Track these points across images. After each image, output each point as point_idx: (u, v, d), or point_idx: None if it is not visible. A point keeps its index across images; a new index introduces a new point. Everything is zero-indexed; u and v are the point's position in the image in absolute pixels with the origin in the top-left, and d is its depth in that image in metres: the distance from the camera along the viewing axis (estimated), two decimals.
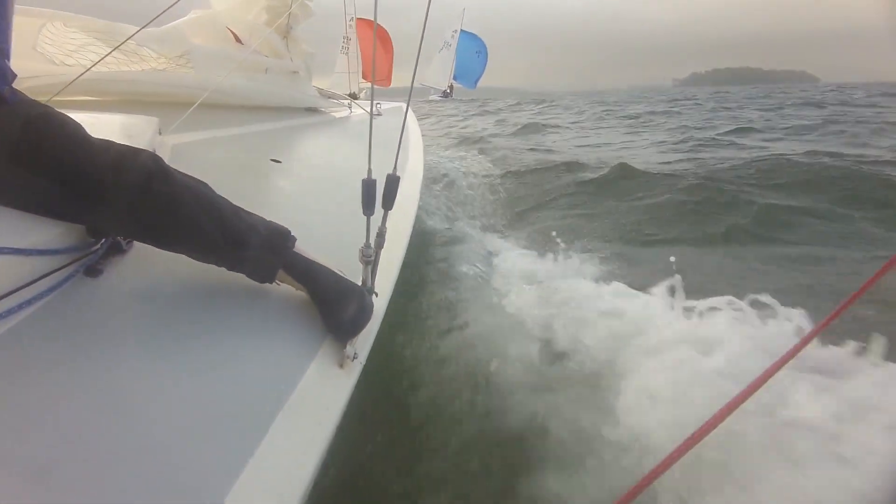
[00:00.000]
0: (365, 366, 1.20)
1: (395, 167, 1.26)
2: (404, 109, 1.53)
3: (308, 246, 1.31)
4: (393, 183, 1.25)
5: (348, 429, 1.10)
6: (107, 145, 1.07)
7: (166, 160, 1.79)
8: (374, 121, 3.76)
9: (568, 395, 2.12)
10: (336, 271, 1.26)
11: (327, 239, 1.57)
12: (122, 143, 1.46)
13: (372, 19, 1.33)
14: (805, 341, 1.25)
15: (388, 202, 1.25)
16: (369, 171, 1.22)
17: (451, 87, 50.12)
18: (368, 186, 1.21)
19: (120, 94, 2.58)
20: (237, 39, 3.43)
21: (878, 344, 2.09)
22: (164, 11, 2.48)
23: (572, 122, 19.68)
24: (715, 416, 1.02)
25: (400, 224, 1.97)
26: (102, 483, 0.74)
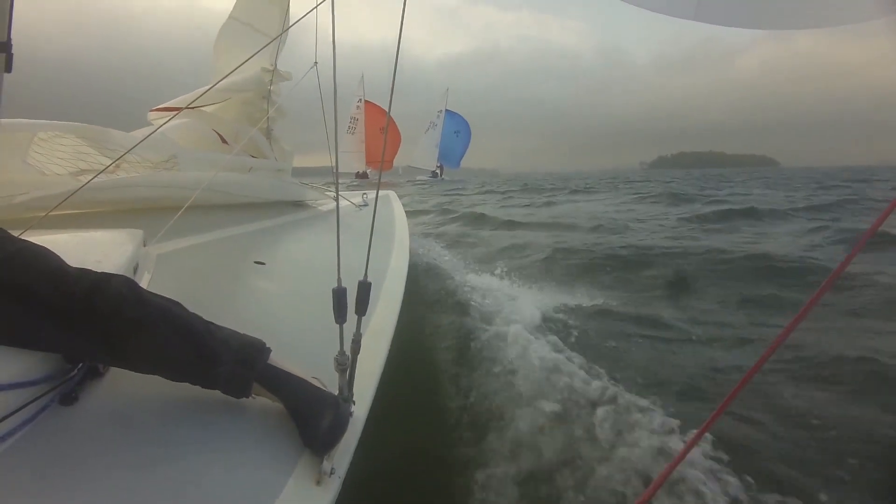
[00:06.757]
0: (345, 480, 1.18)
1: (365, 273, 1.29)
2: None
3: (288, 353, 1.31)
4: (364, 290, 1.27)
5: None
6: (81, 274, 1.11)
7: (150, 272, 1.84)
8: (360, 212, 3.82)
9: None
10: (313, 380, 1.26)
11: (307, 345, 1.57)
12: (107, 260, 1.50)
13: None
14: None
15: (361, 308, 1.27)
16: (339, 279, 1.25)
17: (439, 167, 51.42)
18: (339, 295, 1.24)
19: (108, 205, 2.63)
20: (223, 140, 3.56)
21: None
22: (159, 127, 2.58)
23: None
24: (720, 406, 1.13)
25: (382, 325, 1.94)
26: None
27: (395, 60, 1.32)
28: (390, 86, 1.45)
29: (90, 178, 2.09)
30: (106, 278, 1.13)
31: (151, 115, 3.65)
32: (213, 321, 1.25)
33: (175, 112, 3.40)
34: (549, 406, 2.65)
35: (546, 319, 4.10)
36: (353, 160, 46.99)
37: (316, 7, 2.34)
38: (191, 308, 1.23)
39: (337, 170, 1.43)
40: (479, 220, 12.85)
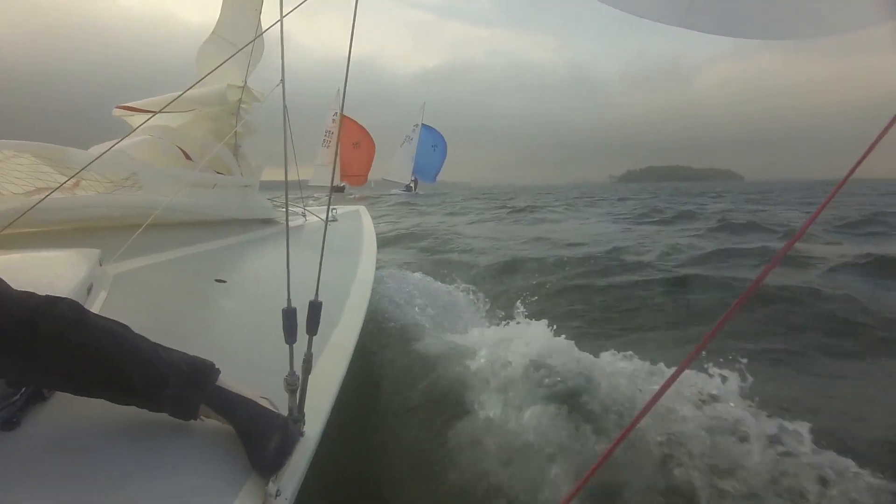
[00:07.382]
0: (294, 502, 1.18)
1: (316, 292, 1.30)
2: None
3: (242, 373, 1.30)
4: (314, 310, 1.28)
5: None
6: (26, 298, 1.09)
7: (105, 292, 1.82)
8: (328, 227, 3.83)
9: None
10: (262, 400, 1.25)
11: (262, 364, 1.55)
12: (59, 281, 1.48)
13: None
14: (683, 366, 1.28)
15: (312, 328, 1.28)
16: (288, 299, 1.25)
17: (414, 181, 51.26)
18: (289, 315, 1.24)
19: (66, 223, 2.59)
20: (187, 157, 3.53)
21: None
22: (116, 143, 2.55)
23: None
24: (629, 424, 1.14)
25: (341, 343, 1.92)
26: None
27: (346, 64, 1.34)
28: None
29: (43, 192, 2.06)
30: (51, 301, 1.12)
31: (117, 112, 3.64)
32: (167, 341, 1.24)
33: (139, 112, 3.38)
34: None
35: None
36: (328, 173, 45.72)
37: (280, 20, 2.34)
38: (144, 328, 1.22)
39: (287, 190, 1.45)
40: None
